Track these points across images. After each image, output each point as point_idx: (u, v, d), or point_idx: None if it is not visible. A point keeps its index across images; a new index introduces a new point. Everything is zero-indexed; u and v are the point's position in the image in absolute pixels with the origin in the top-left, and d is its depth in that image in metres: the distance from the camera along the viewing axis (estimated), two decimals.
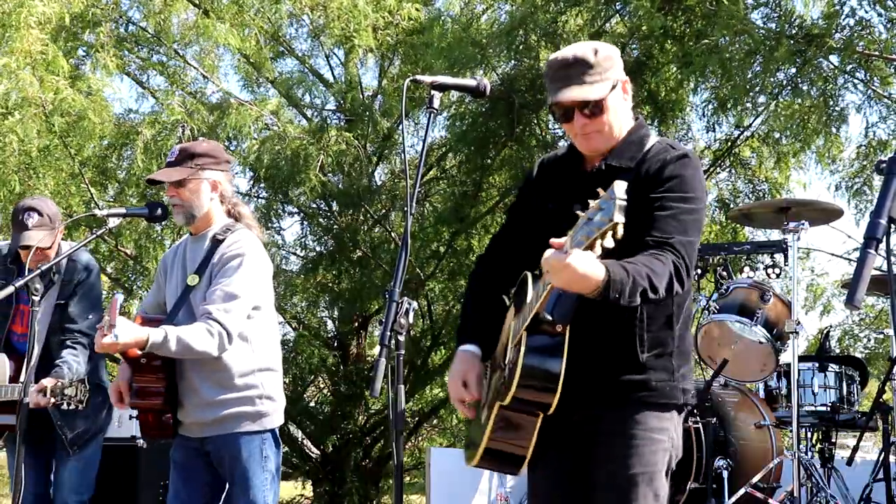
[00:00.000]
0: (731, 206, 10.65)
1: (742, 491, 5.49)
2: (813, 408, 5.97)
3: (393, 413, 2.76)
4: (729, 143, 10.56)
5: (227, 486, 3.92)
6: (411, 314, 2.77)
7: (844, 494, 5.81)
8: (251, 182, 10.74)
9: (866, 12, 8.21)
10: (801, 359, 5.91)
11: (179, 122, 9.49)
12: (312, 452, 12.04)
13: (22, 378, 4.77)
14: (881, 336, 11.66)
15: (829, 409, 5.95)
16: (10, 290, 4.07)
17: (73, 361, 4.53)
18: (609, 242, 2.39)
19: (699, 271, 6.33)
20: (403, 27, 10.15)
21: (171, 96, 10.11)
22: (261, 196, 10.74)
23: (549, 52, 9.03)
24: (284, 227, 11.67)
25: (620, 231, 2.37)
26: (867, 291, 2.88)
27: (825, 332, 6.90)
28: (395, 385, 2.74)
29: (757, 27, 8.22)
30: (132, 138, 9.53)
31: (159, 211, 4.16)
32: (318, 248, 11.36)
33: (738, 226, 10.60)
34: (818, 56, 8.06)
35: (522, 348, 2.68)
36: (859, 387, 6.24)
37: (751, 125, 10.15)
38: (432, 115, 3.00)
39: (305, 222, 11.30)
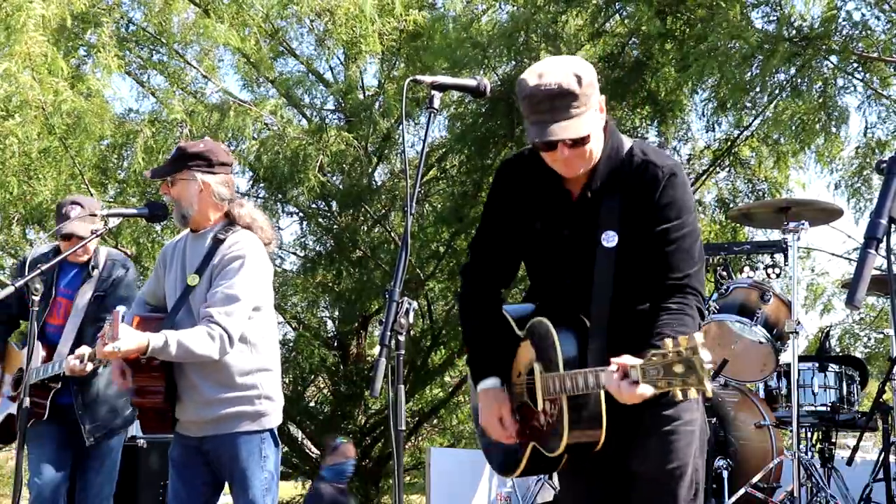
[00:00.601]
0: (731, 205, 10.66)
1: (742, 491, 5.48)
2: (813, 408, 5.97)
3: (393, 413, 2.76)
4: (728, 143, 10.57)
5: (227, 485, 3.93)
6: (411, 314, 2.77)
7: (844, 494, 5.81)
8: (251, 182, 10.75)
9: (863, 15, 8.23)
10: (801, 359, 5.91)
11: (179, 122, 9.50)
12: (312, 452, 12.04)
13: (17, 379, 4.83)
14: (881, 336, 11.66)
15: (829, 409, 5.95)
16: (9, 289, 4.10)
17: None
18: (692, 394, 2.47)
19: None
20: (409, 32, 10.17)
21: (171, 96, 10.12)
22: (260, 196, 10.75)
23: (550, 53, 9.06)
24: (283, 227, 11.68)
25: (709, 394, 2.49)
26: (867, 291, 2.87)
27: (825, 332, 6.89)
28: (395, 385, 2.74)
29: (756, 30, 8.22)
30: (132, 138, 9.53)
31: (159, 211, 4.17)
32: (317, 248, 11.37)
33: (737, 226, 10.60)
34: (817, 57, 8.07)
35: (565, 408, 2.78)
36: (859, 387, 6.23)
37: (750, 125, 10.16)
38: (432, 115, 2.99)
39: (305, 222, 11.31)
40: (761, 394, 6.39)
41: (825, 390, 6.01)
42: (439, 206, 10.86)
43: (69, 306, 4.79)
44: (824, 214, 6.41)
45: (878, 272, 4.34)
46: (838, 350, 11.04)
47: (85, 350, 4.44)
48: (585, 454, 2.87)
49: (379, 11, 9.86)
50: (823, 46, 7.93)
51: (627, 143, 2.92)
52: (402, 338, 2.74)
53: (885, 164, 2.50)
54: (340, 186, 10.53)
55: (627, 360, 2.59)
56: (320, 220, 11.24)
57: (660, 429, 2.88)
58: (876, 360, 11.27)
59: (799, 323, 5.68)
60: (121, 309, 3.66)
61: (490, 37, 9.42)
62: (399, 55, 10.69)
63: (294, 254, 11.90)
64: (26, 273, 4.28)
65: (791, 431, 5.60)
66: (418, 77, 3.01)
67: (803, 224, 5.85)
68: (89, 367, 4.42)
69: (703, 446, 2.98)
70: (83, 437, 4.74)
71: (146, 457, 6.39)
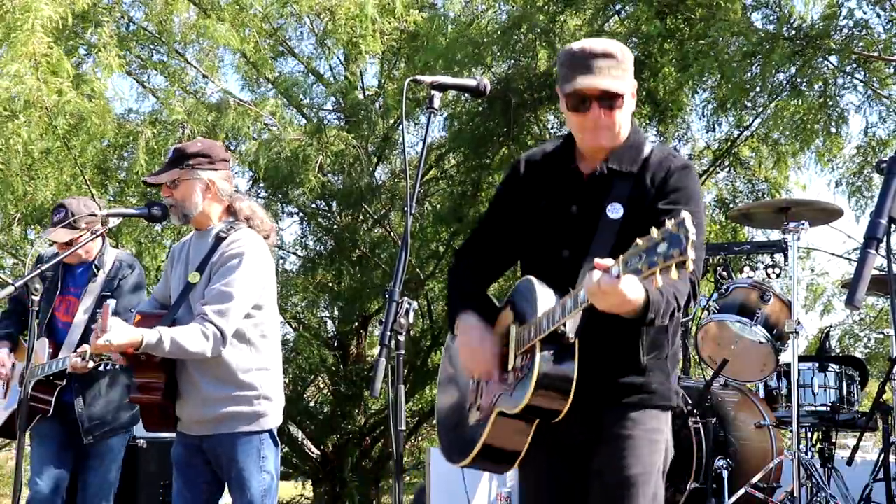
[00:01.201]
0: (731, 205, 10.65)
1: (742, 491, 5.48)
2: (813, 408, 5.97)
3: (393, 413, 2.76)
4: (728, 143, 10.57)
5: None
6: (411, 314, 2.77)
7: (844, 494, 5.81)
8: (250, 182, 10.75)
9: (865, 13, 8.23)
10: (801, 359, 5.90)
11: (180, 122, 9.50)
12: (312, 452, 12.04)
13: (23, 374, 4.83)
14: (881, 336, 11.67)
15: (829, 409, 5.94)
16: (9, 289, 4.11)
17: None
18: (674, 275, 2.32)
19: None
20: (408, 31, 10.17)
21: (171, 96, 10.12)
22: (260, 196, 10.75)
23: (547, 52, 9.07)
24: (284, 228, 11.68)
25: (691, 266, 2.32)
26: (867, 291, 2.87)
27: (825, 332, 6.89)
28: (395, 385, 2.74)
29: (756, 29, 8.23)
30: (133, 138, 9.54)
31: (159, 211, 4.17)
32: (317, 248, 11.37)
33: (737, 226, 10.60)
34: (817, 57, 8.07)
35: (537, 357, 2.68)
36: (859, 387, 6.23)
37: (750, 125, 10.16)
38: (432, 115, 3.00)
39: (305, 222, 11.31)
40: (761, 394, 6.38)
41: (825, 390, 6.01)
42: (438, 205, 10.86)
43: (77, 304, 4.83)
44: (824, 214, 6.41)
45: (878, 272, 4.34)
46: (838, 350, 11.04)
47: (87, 347, 4.45)
48: (547, 435, 2.78)
49: (380, 11, 9.86)
50: (823, 46, 7.93)
51: (650, 144, 2.95)
52: (402, 338, 2.74)
53: (885, 164, 2.50)
54: (340, 186, 10.52)
55: (608, 260, 2.49)
56: (320, 220, 11.24)
57: (623, 432, 2.81)
58: (876, 360, 11.28)
59: (799, 323, 5.67)
60: (111, 302, 3.66)
61: (488, 36, 9.43)
62: (399, 55, 10.69)
63: (294, 254, 11.92)
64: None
65: (791, 431, 5.60)
66: (418, 77, 3.01)
67: (803, 224, 5.85)
68: (91, 364, 4.45)
69: (666, 467, 2.88)
70: (82, 435, 4.75)
71: (146, 457, 6.39)
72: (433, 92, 2.95)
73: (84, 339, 4.68)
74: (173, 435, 4.03)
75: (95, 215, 4.67)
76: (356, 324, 11.50)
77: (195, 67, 10.64)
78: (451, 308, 3.06)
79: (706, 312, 6.08)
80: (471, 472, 7.04)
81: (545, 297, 2.75)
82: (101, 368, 4.53)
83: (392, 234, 10.82)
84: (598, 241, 2.79)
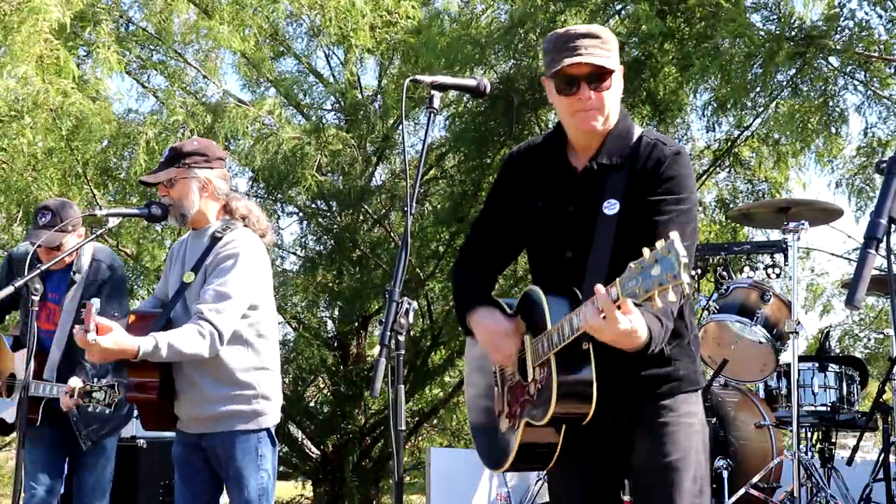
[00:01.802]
0: (731, 206, 10.65)
1: (742, 491, 5.48)
2: (813, 408, 5.97)
3: (393, 413, 2.76)
4: (729, 143, 10.56)
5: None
6: (411, 314, 2.77)
7: (844, 494, 5.81)
8: (249, 182, 10.75)
9: (866, 14, 8.22)
10: (801, 359, 5.91)
11: (180, 122, 9.50)
12: (312, 452, 12.03)
13: (21, 375, 4.82)
14: (881, 336, 11.67)
15: (829, 409, 5.95)
16: (9, 289, 4.08)
17: None
18: (671, 297, 2.36)
19: (699, 271, 6.33)
20: (402, 26, 10.15)
21: (171, 96, 10.12)
22: (258, 196, 10.74)
23: None
24: (283, 227, 11.67)
25: (687, 290, 2.36)
26: (867, 291, 2.87)
27: (825, 332, 6.90)
28: (395, 385, 2.74)
29: (757, 29, 8.22)
30: (133, 138, 9.53)
31: (159, 210, 4.15)
32: (317, 248, 11.36)
33: (737, 226, 10.60)
34: (818, 57, 8.07)
35: (554, 369, 2.72)
36: (859, 387, 6.24)
37: (750, 125, 10.15)
38: (432, 114, 2.99)
39: (305, 222, 11.30)
40: (761, 394, 6.39)
41: (825, 390, 6.02)
42: (439, 205, 10.85)
43: (58, 311, 4.75)
44: (824, 214, 6.42)
45: (878, 272, 4.34)
46: (838, 350, 11.04)
47: (74, 384, 4.26)
48: (576, 437, 2.83)
49: (372, 6, 9.84)
50: (824, 46, 7.93)
51: (637, 129, 2.95)
52: (402, 338, 2.74)
53: (885, 164, 2.50)
54: (340, 186, 10.51)
55: (601, 288, 2.52)
56: (320, 220, 11.23)
57: (656, 420, 2.85)
58: (876, 360, 11.28)
59: (799, 323, 5.68)
60: (94, 301, 3.63)
61: (488, 35, 9.42)
62: (396, 51, 10.67)
63: (294, 254, 11.90)
64: (10, 270, 4.21)
65: (791, 431, 5.60)
66: (418, 77, 3.01)
67: (803, 224, 5.85)
68: (80, 402, 4.25)
69: (706, 444, 2.95)
70: (79, 441, 4.71)
71: (146, 457, 6.40)
72: (433, 92, 2.95)
73: (70, 346, 4.58)
74: (174, 435, 4.03)
75: (80, 218, 4.61)
76: (356, 324, 11.49)
77: (195, 68, 10.64)
78: (460, 313, 3.09)
79: (706, 312, 6.08)
80: (471, 472, 7.05)
81: (555, 310, 2.78)
82: (88, 409, 4.29)
83: (392, 234, 10.81)
84: (598, 239, 2.81)
